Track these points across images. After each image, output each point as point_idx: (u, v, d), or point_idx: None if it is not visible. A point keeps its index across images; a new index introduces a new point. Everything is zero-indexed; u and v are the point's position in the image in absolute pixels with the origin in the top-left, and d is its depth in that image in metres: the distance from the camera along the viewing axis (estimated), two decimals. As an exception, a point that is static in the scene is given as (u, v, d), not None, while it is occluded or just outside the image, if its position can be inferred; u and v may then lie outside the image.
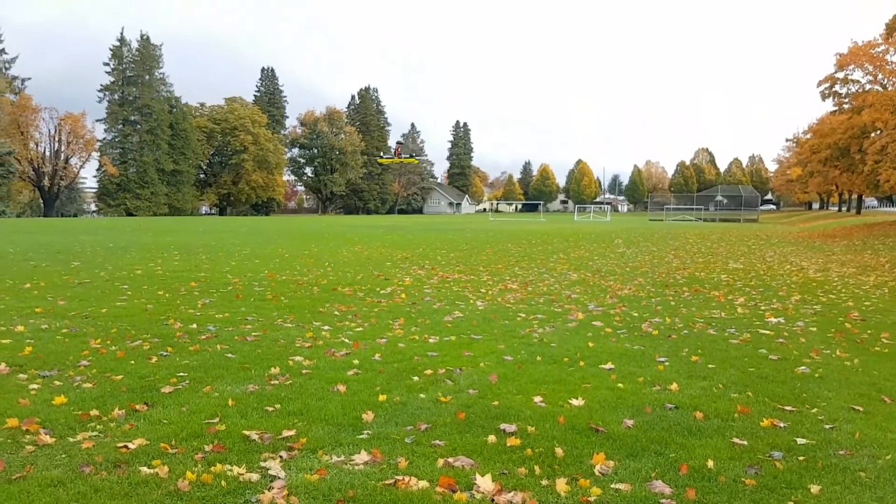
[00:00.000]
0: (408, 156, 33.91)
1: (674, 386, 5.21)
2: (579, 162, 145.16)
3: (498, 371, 5.67)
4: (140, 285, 11.17)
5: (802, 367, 5.92)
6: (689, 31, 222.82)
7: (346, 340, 6.95)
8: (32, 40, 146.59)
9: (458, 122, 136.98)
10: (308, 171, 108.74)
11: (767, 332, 7.72)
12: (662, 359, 6.22)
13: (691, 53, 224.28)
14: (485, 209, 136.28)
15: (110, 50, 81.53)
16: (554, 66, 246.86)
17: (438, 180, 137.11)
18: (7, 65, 75.09)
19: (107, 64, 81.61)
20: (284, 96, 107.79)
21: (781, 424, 4.37)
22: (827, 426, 4.36)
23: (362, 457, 3.72)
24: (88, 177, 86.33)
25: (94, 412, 4.42)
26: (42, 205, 76.90)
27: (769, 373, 5.77)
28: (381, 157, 34.40)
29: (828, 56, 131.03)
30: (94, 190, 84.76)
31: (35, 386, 5.07)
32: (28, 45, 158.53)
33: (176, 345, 6.61)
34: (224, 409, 4.57)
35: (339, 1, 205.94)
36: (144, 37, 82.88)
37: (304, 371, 5.64)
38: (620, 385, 5.27)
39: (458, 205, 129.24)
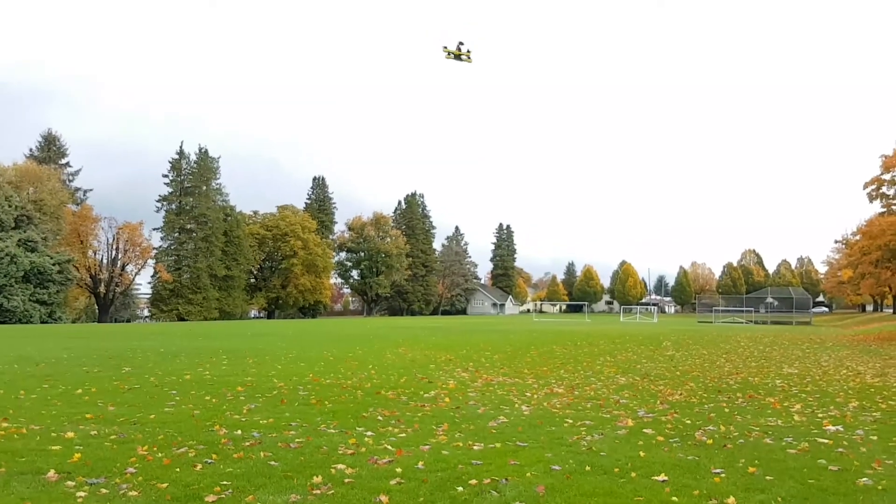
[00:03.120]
0: (467, 52, 32.85)
1: (731, 500, 4.97)
2: (623, 263, 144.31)
3: (545, 481, 5.50)
4: (188, 390, 11.30)
5: (864, 479, 5.62)
6: (730, 133, 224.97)
7: (390, 447, 6.87)
8: (94, 153, 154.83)
9: (500, 224, 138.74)
10: (354, 273, 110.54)
11: (826, 441, 7.38)
12: (718, 470, 5.97)
13: (734, 154, 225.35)
14: (528, 310, 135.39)
15: (170, 162, 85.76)
16: (595, 169, 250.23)
17: (482, 281, 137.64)
18: (71, 177, 79.62)
19: (166, 175, 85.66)
20: (334, 203, 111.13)
21: (848, 542, 4.13)
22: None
23: (405, 573, 3.61)
24: (143, 283, 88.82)
25: (138, 522, 4.42)
26: (97, 310, 79.21)
27: (829, 485, 5.49)
28: (446, 48, 32.38)
29: (873, 157, 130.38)
30: (148, 295, 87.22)
31: (82, 493, 5.09)
32: (90, 157, 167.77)
33: (221, 452, 6.62)
34: (266, 519, 4.52)
35: (386, 113, 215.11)
36: (203, 150, 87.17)
37: (346, 480, 5.56)
38: (675, 498, 5.05)
39: (502, 305, 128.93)
